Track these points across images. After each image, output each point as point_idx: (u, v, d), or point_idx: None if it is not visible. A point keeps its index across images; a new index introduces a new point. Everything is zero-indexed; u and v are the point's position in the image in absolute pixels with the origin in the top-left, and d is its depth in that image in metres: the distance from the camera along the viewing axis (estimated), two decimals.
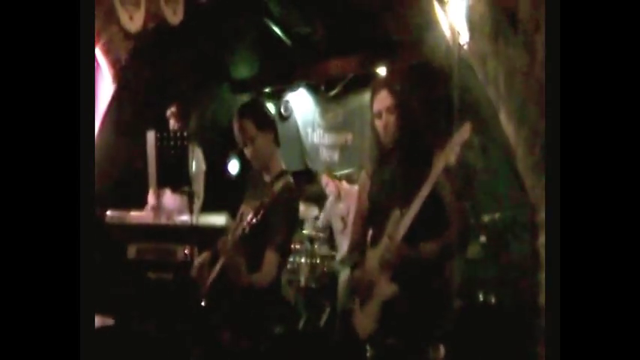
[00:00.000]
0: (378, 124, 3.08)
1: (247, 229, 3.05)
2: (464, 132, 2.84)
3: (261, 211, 3.03)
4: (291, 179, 3.31)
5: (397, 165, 3.06)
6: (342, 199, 6.67)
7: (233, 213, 3.62)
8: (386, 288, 2.91)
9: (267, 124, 3.35)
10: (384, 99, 3.06)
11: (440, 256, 2.92)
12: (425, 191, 2.83)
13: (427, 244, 2.90)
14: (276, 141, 3.38)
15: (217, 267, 3.26)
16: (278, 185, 3.19)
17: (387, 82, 3.12)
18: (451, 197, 2.95)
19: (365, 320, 3.03)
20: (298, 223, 3.45)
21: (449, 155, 2.79)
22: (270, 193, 3.14)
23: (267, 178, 3.36)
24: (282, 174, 3.32)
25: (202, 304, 3.30)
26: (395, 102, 3.02)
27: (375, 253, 3.00)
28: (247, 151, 3.32)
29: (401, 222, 2.88)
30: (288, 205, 3.21)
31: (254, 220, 3.04)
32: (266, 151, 3.31)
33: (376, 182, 3.15)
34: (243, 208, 3.40)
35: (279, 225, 3.16)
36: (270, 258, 3.14)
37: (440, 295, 2.99)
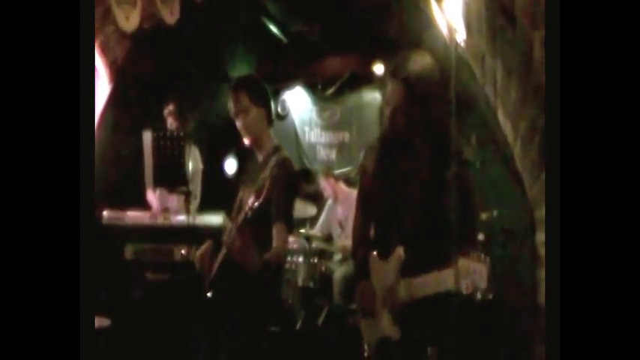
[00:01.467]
0: (387, 112, 2.98)
1: (250, 214, 3.04)
2: (480, 278, 2.62)
3: (263, 193, 3.01)
4: (285, 153, 3.30)
5: (402, 160, 2.99)
6: (340, 202, 6.67)
7: (230, 213, 3.61)
8: (388, 327, 2.86)
9: (261, 99, 3.35)
10: (397, 90, 2.95)
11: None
12: (428, 291, 2.74)
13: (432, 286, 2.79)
14: (269, 118, 3.38)
15: (220, 256, 3.26)
16: (272, 161, 3.19)
17: (399, 73, 3.03)
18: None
19: (368, 337, 3.00)
20: (297, 193, 3.43)
21: (460, 283, 2.61)
22: (266, 170, 3.13)
23: (260, 157, 3.36)
24: (275, 150, 3.32)
25: (208, 294, 3.30)
26: (407, 95, 2.92)
27: (381, 273, 2.94)
28: (239, 123, 3.32)
29: (409, 280, 2.80)
30: (286, 178, 3.20)
31: (256, 204, 3.02)
32: (257, 125, 3.32)
33: (378, 175, 3.08)
34: (241, 193, 3.39)
35: (281, 197, 3.17)
36: (279, 231, 3.16)
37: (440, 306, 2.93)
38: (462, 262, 2.60)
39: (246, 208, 3.04)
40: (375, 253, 3.01)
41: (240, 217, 3.11)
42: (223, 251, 3.24)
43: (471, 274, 2.61)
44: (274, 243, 3.15)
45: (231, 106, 3.32)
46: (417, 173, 2.94)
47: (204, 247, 3.42)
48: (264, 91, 3.47)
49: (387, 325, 2.88)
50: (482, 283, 2.61)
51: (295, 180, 3.36)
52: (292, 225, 3.37)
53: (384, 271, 2.92)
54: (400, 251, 2.84)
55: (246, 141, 3.37)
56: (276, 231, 3.16)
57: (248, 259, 3.05)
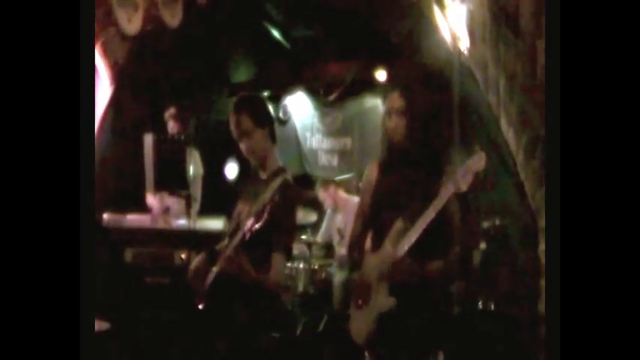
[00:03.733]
0: (388, 124, 3.04)
1: (248, 235, 3.02)
2: (478, 161, 2.79)
3: (263, 216, 2.99)
4: (288, 176, 3.26)
5: (404, 169, 3.03)
6: (340, 210, 6.68)
7: (231, 217, 3.59)
8: (384, 300, 2.89)
9: (263, 119, 3.31)
10: (395, 100, 3.02)
11: (443, 274, 2.89)
12: (431, 213, 2.79)
13: (430, 263, 2.86)
14: (273, 137, 3.35)
15: (215, 270, 3.23)
16: (275, 183, 3.16)
17: (399, 83, 3.09)
18: (459, 216, 2.92)
19: (361, 327, 3.00)
20: (297, 220, 3.43)
21: (460, 183, 2.75)
22: (267, 192, 3.11)
23: (263, 175, 3.33)
24: (279, 171, 3.29)
25: (200, 307, 3.27)
26: (406, 104, 2.98)
27: (375, 260, 2.97)
28: (242, 146, 3.28)
29: (404, 237, 2.85)
30: (288, 203, 3.16)
31: (256, 226, 3.00)
32: (262, 147, 3.28)
33: (382, 182, 3.13)
34: (239, 207, 3.36)
35: (282, 225, 3.13)
36: (278, 259, 3.13)
37: (439, 305, 2.96)
38: (461, 167, 2.76)
39: (245, 229, 3.02)
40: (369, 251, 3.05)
41: (238, 238, 3.09)
42: (219, 264, 3.21)
43: (470, 167, 2.77)
44: (273, 270, 3.13)
45: (233, 128, 3.28)
46: (418, 181, 2.96)
47: (196, 261, 3.39)
48: (265, 110, 3.44)
49: (382, 300, 2.90)
50: (481, 165, 2.77)
51: (296, 206, 3.34)
52: (291, 255, 3.35)
53: (379, 255, 2.95)
54: (399, 223, 2.87)
55: (251, 161, 3.35)
56: (275, 260, 3.13)
57: (244, 281, 3.06)
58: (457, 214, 2.92)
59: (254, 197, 3.20)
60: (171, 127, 5.50)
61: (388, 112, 3.03)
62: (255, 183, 3.34)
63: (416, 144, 2.98)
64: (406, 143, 2.99)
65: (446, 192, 2.79)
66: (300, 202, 3.48)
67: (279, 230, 3.12)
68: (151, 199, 5.60)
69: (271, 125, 3.36)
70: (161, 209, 5.47)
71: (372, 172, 3.20)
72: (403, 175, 3.02)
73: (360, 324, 3.01)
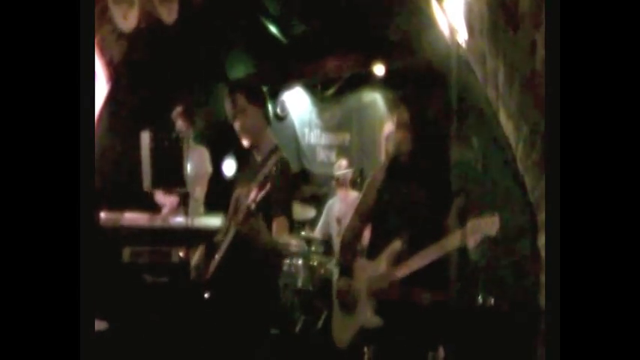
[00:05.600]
0: (396, 136, 3.11)
1: (253, 206, 3.04)
2: (491, 226, 2.76)
3: (266, 187, 3.02)
4: (283, 154, 3.31)
5: (410, 183, 3.05)
6: (340, 200, 6.69)
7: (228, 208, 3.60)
8: (369, 317, 2.89)
9: (257, 97, 3.38)
10: (401, 114, 3.08)
11: (436, 307, 2.86)
12: (432, 255, 2.78)
13: (423, 293, 2.85)
14: (267, 117, 3.40)
15: (217, 257, 3.25)
16: (272, 161, 3.21)
17: (402, 99, 3.16)
18: (459, 258, 2.90)
19: (342, 335, 3.00)
20: (295, 190, 3.48)
21: (468, 240, 2.72)
22: (265, 167, 3.18)
23: (258, 157, 3.37)
24: (274, 150, 3.33)
25: (206, 296, 3.31)
26: (410, 118, 3.03)
27: (367, 271, 2.95)
28: (237, 125, 3.34)
29: (400, 264, 2.82)
30: (286, 176, 3.23)
31: (259, 196, 3.03)
32: (256, 126, 3.33)
33: (387, 188, 3.14)
34: (237, 192, 3.40)
35: (281, 196, 3.19)
36: (280, 224, 3.19)
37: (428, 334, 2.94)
38: (472, 222, 2.73)
39: (249, 201, 3.05)
40: (363, 257, 3.04)
41: (243, 210, 3.12)
42: (220, 254, 3.24)
43: (481, 228, 2.73)
44: (276, 232, 3.17)
45: (228, 108, 3.34)
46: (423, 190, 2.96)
47: (197, 255, 3.42)
48: (259, 90, 3.51)
49: (368, 316, 2.90)
50: (493, 231, 2.73)
51: (294, 178, 3.38)
52: (292, 221, 3.38)
53: (372, 266, 2.94)
54: (397, 244, 2.86)
55: (245, 142, 3.37)
56: (277, 224, 3.17)
57: (259, 235, 3.08)
58: (457, 257, 2.89)
59: (251, 179, 3.23)
60: (179, 126, 5.51)
61: (396, 125, 3.09)
62: (251, 167, 3.38)
63: (421, 156, 3.02)
64: (412, 155, 3.05)
65: (451, 244, 2.76)
66: (296, 176, 3.54)
67: (279, 198, 3.17)
68: (160, 197, 5.61)
69: (265, 105, 3.42)
70: (173, 205, 5.48)
71: (380, 173, 3.20)
72: (409, 189, 3.02)
73: (342, 331, 3.02)
